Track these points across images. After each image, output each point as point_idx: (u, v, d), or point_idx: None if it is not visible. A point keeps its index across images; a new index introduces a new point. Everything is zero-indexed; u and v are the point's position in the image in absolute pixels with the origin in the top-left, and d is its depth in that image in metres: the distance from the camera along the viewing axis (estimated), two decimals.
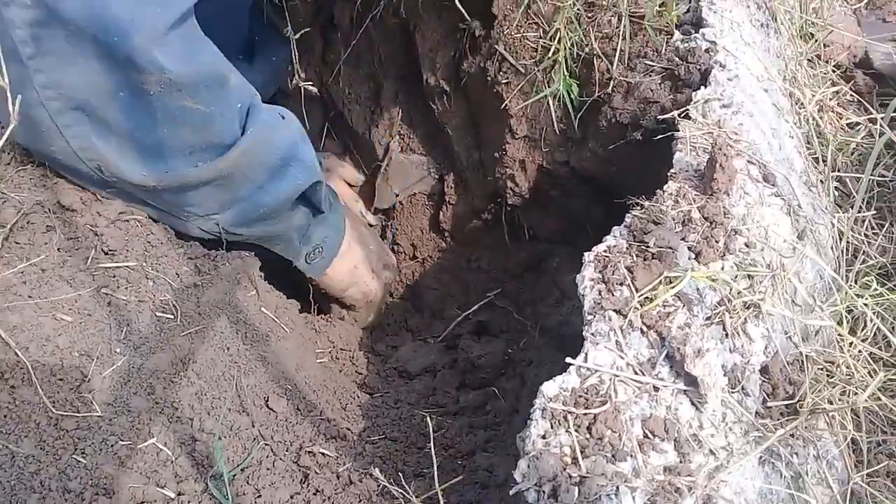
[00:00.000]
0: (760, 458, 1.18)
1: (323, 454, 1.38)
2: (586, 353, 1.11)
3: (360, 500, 1.27)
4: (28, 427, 1.16)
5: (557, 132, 1.90)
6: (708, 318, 1.22)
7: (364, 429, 1.59)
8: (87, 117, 1.27)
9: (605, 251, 1.25)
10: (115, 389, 1.29)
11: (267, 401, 1.49)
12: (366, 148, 2.50)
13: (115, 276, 1.43)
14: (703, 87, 1.61)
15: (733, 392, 1.18)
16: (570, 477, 0.96)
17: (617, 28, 1.78)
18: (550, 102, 1.86)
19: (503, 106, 1.92)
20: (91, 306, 1.35)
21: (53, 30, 1.14)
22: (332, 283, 1.98)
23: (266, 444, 1.36)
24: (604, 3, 1.82)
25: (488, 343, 2.08)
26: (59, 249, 1.37)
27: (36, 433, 1.16)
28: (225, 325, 1.55)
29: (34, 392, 1.20)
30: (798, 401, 1.24)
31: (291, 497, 1.25)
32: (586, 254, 1.25)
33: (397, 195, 2.43)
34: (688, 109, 1.56)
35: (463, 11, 1.94)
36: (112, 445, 1.21)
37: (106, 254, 1.43)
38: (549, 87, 1.86)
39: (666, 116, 1.58)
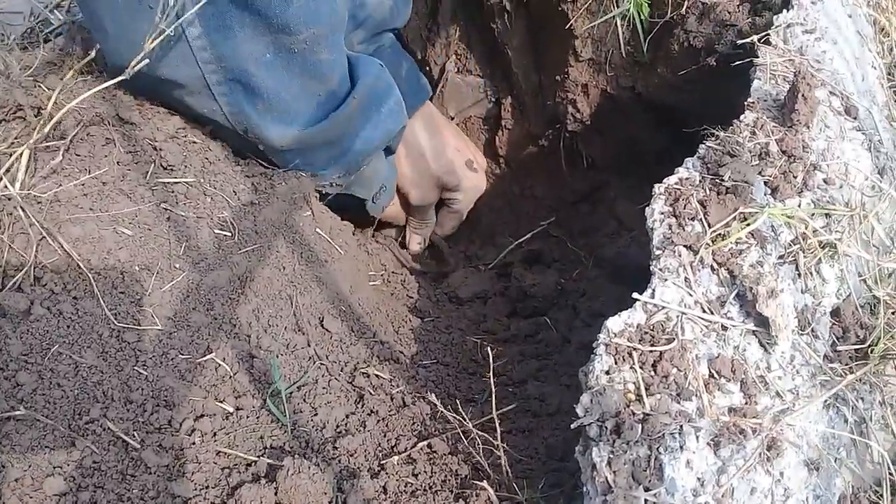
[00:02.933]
0: (826, 402, 1.14)
1: (377, 376, 1.39)
2: (654, 289, 1.07)
3: (413, 423, 1.28)
4: (90, 338, 1.17)
5: (624, 55, 1.82)
6: (781, 257, 1.17)
7: (416, 353, 1.59)
8: (240, 86, 1.36)
9: (676, 183, 1.20)
10: (175, 304, 1.30)
11: (322, 321, 1.50)
12: (421, 69, 2.43)
13: (173, 192, 1.42)
14: (785, 11, 1.51)
15: (803, 334, 1.14)
16: (634, 414, 0.94)
17: None
18: (619, 24, 1.78)
19: (568, 26, 1.84)
20: (151, 221, 1.35)
21: (221, 8, 1.24)
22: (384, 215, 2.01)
23: (322, 364, 1.37)
24: None
25: (541, 272, 2.05)
26: (118, 163, 1.37)
27: (98, 344, 1.17)
28: (281, 245, 1.54)
29: (96, 304, 1.21)
30: (869, 345, 1.20)
31: (347, 417, 1.25)
32: (657, 186, 1.20)
33: (452, 118, 2.37)
34: (768, 34, 1.47)
35: None
36: (172, 359, 1.22)
37: (165, 169, 1.42)
38: (617, 6, 1.76)
39: (744, 41, 1.49)
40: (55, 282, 1.20)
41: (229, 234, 1.46)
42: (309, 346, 1.40)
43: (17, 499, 0.94)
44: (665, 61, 1.74)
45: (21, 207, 1.19)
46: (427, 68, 2.38)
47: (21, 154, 1.22)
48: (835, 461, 1.11)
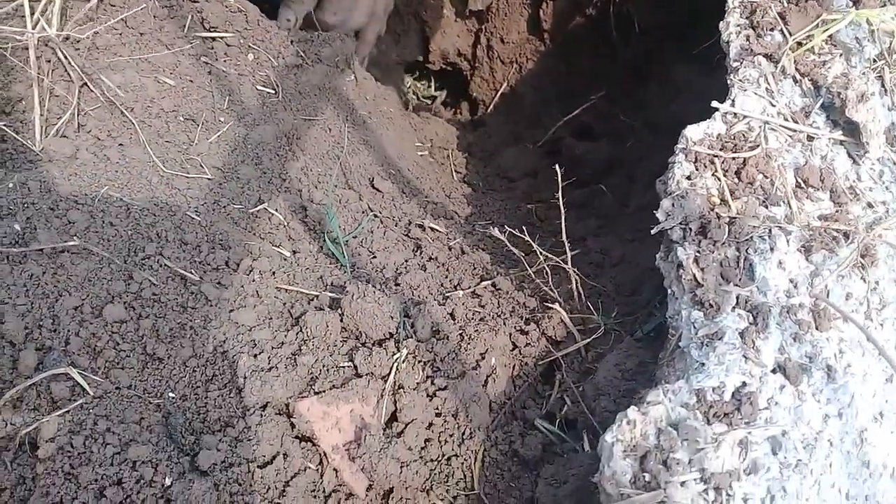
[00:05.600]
0: None
1: (433, 229, 1.34)
2: (733, 99, 1.00)
3: (474, 268, 1.23)
4: (140, 183, 1.13)
5: None
6: (865, 72, 1.08)
7: (470, 214, 1.54)
8: None
9: None
10: (223, 156, 1.26)
11: (372, 181, 1.45)
12: None
13: (213, 48, 1.36)
14: None
15: (893, 150, 1.06)
16: (720, 217, 0.88)
17: None
18: None
19: None
20: (192, 73, 1.30)
21: None
22: None
23: (375, 217, 1.32)
24: None
25: (592, 142, 1.97)
26: (154, 16, 1.31)
27: (148, 189, 1.13)
28: (326, 107, 1.48)
29: (143, 151, 1.17)
30: None
31: (406, 261, 1.21)
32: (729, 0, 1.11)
33: None
34: None
35: None
36: (224, 207, 1.18)
37: (202, 24, 1.36)
38: None
39: None
40: (99, 128, 1.16)
41: (273, 92, 1.40)
42: (361, 200, 1.36)
43: (76, 324, 0.92)
44: None
45: (61, 51, 1.14)
46: None
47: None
48: None
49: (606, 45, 2.14)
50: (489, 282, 1.15)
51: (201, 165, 1.22)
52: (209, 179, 1.21)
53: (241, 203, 1.21)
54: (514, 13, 2.28)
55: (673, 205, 0.89)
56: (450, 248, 1.29)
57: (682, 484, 0.69)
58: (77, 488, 0.80)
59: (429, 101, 2.64)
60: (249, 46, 1.40)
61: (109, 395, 0.88)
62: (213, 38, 1.36)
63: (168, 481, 0.82)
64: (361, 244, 1.23)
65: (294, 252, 1.17)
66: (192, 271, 1.05)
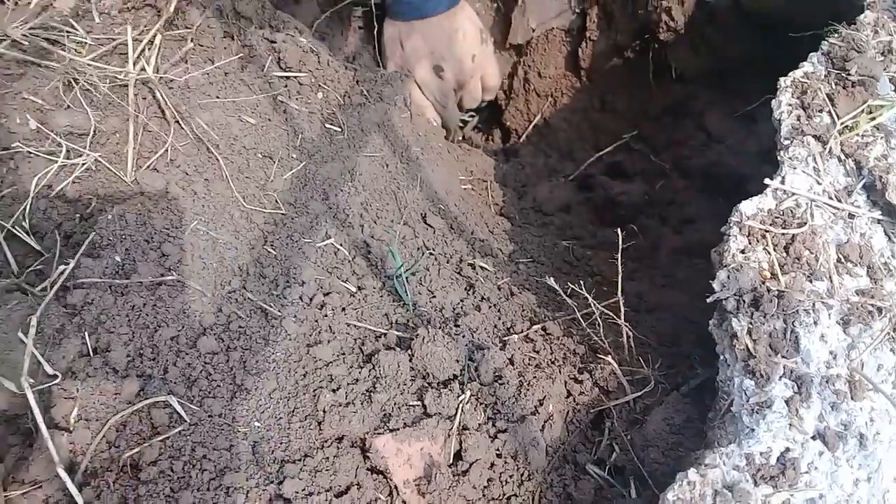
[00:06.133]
0: None
1: (482, 268, 1.42)
2: (783, 176, 1.08)
3: (523, 310, 1.32)
4: (223, 217, 1.22)
5: None
6: None
7: (512, 251, 1.62)
8: None
9: (802, 77, 1.19)
10: (295, 191, 1.35)
11: (424, 217, 1.53)
12: None
13: (287, 86, 1.45)
14: None
15: None
16: (770, 290, 0.96)
17: None
18: None
19: None
20: (269, 112, 1.39)
21: None
22: None
23: (431, 254, 1.41)
24: None
25: (627, 182, 2.05)
26: (238, 56, 1.39)
27: (230, 223, 1.22)
28: (384, 143, 1.57)
29: (226, 186, 1.26)
30: None
31: (461, 301, 1.30)
32: (782, 79, 1.20)
33: (534, 29, 2.35)
34: None
35: None
36: (296, 241, 1.27)
37: (278, 64, 1.45)
38: None
39: None
40: (188, 164, 1.25)
41: (339, 130, 1.49)
42: (416, 237, 1.44)
43: (173, 354, 1.00)
44: None
45: (159, 90, 1.23)
46: None
47: (154, 38, 1.25)
48: None
49: (642, 87, 2.23)
50: (539, 325, 1.24)
51: (276, 201, 1.30)
52: (283, 214, 1.29)
53: (311, 238, 1.30)
54: (553, 49, 2.37)
55: (728, 276, 0.98)
56: (499, 289, 1.37)
57: None
58: None
59: (461, 125, 2.72)
60: (320, 85, 1.49)
61: (203, 422, 0.97)
62: (288, 78, 1.45)
63: None
64: (420, 282, 1.31)
65: (359, 288, 1.25)
66: (272, 305, 1.14)
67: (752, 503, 0.79)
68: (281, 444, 0.99)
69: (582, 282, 1.31)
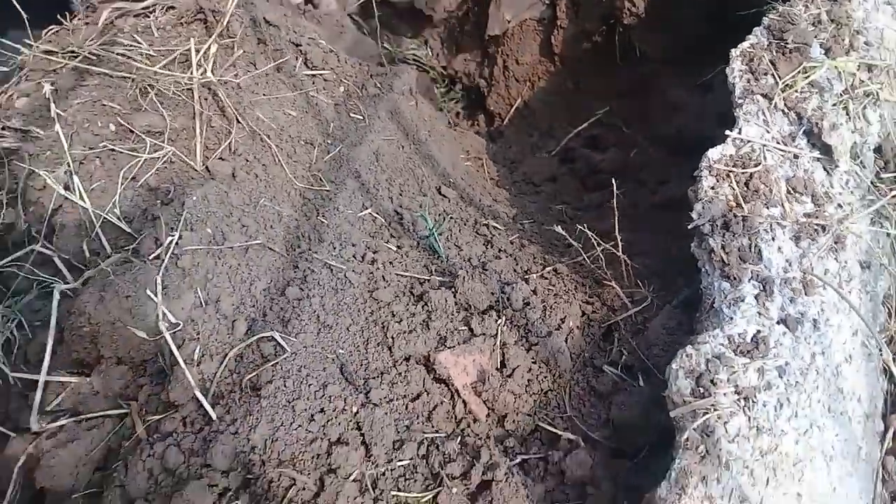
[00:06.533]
0: (872, 219, 1.43)
1: (495, 227, 1.68)
2: (740, 128, 1.35)
3: (534, 258, 1.57)
4: (283, 195, 1.46)
5: None
6: (835, 104, 1.44)
7: (515, 214, 1.88)
8: None
9: (749, 47, 1.46)
10: (333, 171, 1.59)
11: (439, 189, 1.78)
12: None
13: (314, 82, 1.69)
14: None
15: (854, 164, 1.42)
16: (736, 216, 1.23)
17: None
18: None
19: None
20: (305, 105, 1.63)
21: None
22: None
23: (451, 218, 1.66)
24: None
25: (606, 151, 2.32)
26: (273, 59, 1.63)
27: (289, 200, 1.46)
28: (397, 128, 1.82)
29: (280, 169, 1.50)
30: None
31: (483, 252, 1.55)
32: (733, 50, 1.47)
33: (509, 21, 2.60)
34: None
35: None
36: (341, 212, 1.51)
37: (306, 64, 1.69)
38: None
39: None
40: (248, 152, 1.48)
41: (361, 119, 1.73)
42: (436, 205, 1.69)
43: (269, 301, 1.24)
44: None
45: (220, 92, 1.46)
46: None
47: (210, 47, 1.48)
48: (879, 266, 1.41)
49: (610, 67, 2.50)
50: (551, 267, 1.50)
51: (321, 179, 1.55)
52: (327, 191, 1.53)
53: (352, 209, 1.54)
54: (528, 38, 2.63)
55: (703, 207, 1.24)
56: (511, 243, 1.63)
57: (724, 394, 1.04)
58: (294, 415, 1.12)
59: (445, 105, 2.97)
60: (341, 80, 1.73)
61: (300, 352, 1.21)
62: (314, 75, 1.69)
63: (355, 409, 1.15)
64: (448, 240, 1.56)
65: (399, 247, 1.50)
66: (334, 262, 1.38)
67: (735, 367, 1.06)
68: (362, 365, 1.23)
69: (578, 232, 1.58)
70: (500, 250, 1.57)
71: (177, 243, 1.25)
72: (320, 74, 1.69)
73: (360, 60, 1.84)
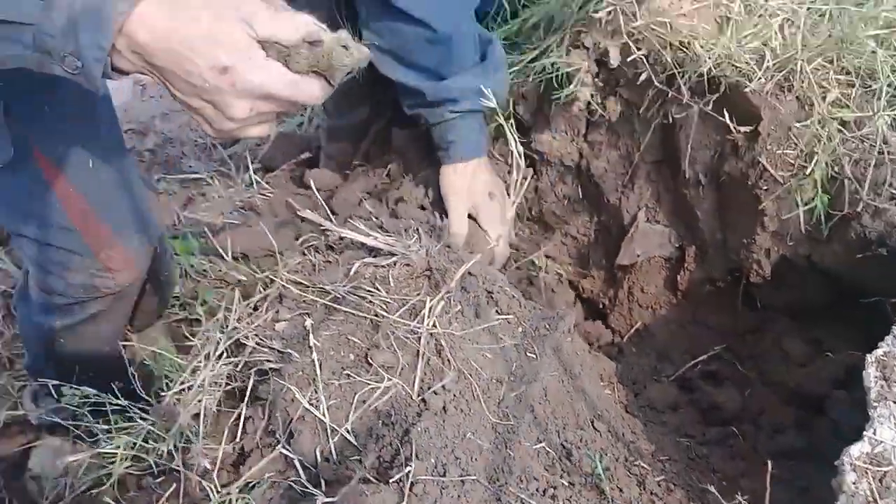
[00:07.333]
0: None
1: (643, 466, 1.95)
2: (874, 429, 1.63)
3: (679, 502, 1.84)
4: (481, 429, 1.78)
5: (803, 232, 2.39)
6: None
7: (654, 450, 2.15)
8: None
9: (882, 355, 1.76)
10: (516, 407, 1.91)
11: (593, 422, 2.08)
12: (613, 212, 3.05)
13: (499, 324, 2.04)
14: None
15: None
16: None
17: (868, 154, 2.25)
18: (801, 213, 2.35)
19: (760, 207, 2.43)
20: (495, 347, 1.97)
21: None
22: None
23: (606, 455, 1.94)
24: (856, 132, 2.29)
25: (722, 385, 2.60)
26: (473, 305, 2.00)
27: (485, 433, 1.77)
28: (559, 364, 2.15)
29: (479, 405, 1.82)
30: None
31: (640, 495, 1.82)
32: (868, 356, 1.76)
33: (639, 255, 2.97)
34: None
35: (732, 126, 2.46)
36: (523, 444, 1.81)
37: (495, 310, 2.05)
38: (801, 196, 2.35)
39: None
40: (455, 388, 1.81)
41: (535, 357, 2.07)
42: (594, 441, 1.99)
43: None
44: (839, 241, 2.32)
45: (444, 340, 1.82)
46: (620, 214, 3.00)
47: (439, 302, 1.86)
48: None
49: (730, 311, 2.82)
50: None
51: (507, 415, 1.86)
52: (512, 424, 1.85)
53: (529, 441, 1.84)
54: (654, 272, 2.98)
55: (846, 501, 1.51)
56: (658, 484, 1.89)
57: None
58: None
59: None
60: (521, 323, 2.08)
61: None
62: (500, 320, 2.05)
63: None
64: (609, 479, 1.84)
65: (570, 483, 1.78)
66: (524, 496, 1.66)
67: None
68: None
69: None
70: (651, 493, 1.83)
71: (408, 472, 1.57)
72: (506, 318, 2.05)
73: (535, 304, 2.20)
